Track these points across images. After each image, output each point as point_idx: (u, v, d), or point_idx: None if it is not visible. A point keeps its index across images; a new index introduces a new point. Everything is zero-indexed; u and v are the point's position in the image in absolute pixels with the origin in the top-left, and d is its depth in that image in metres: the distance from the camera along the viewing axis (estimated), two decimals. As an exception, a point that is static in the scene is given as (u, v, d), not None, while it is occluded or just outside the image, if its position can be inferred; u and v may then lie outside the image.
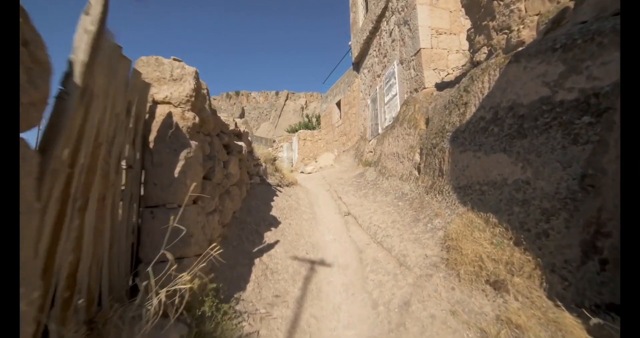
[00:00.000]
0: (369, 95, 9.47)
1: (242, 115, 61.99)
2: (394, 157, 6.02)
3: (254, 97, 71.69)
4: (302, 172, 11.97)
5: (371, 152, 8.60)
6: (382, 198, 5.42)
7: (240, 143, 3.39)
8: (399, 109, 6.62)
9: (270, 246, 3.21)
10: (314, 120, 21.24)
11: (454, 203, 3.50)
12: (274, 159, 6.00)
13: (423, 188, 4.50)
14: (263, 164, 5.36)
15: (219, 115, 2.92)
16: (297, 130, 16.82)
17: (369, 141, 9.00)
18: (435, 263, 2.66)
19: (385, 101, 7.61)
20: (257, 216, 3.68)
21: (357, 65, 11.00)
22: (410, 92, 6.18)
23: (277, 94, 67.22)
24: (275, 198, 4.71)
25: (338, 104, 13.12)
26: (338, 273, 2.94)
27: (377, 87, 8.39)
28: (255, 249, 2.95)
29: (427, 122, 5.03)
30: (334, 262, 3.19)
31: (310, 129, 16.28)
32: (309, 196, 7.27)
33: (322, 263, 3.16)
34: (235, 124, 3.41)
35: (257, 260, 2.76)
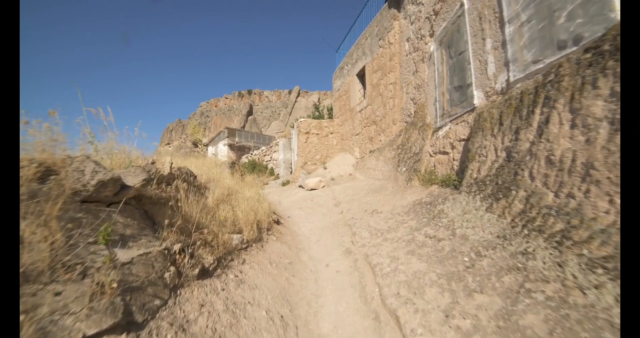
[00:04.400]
0: (431, 35, 4.64)
1: (250, 113, 58.03)
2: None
3: (267, 96, 67.62)
4: (300, 187, 7.18)
5: (446, 152, 3.77)
6: None
7: None
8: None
9: None
10: (325, 112, 16.15)
11: None
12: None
13: None
14: None
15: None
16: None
17: (436, 130, 4.18)
18: None
19: (507, 15, 2.77)
20: None
21: (397, -2, 6.16)
22: None
23: (289, 92, 62.66)
24: None
25: (361, 75, 8.26)
26: None
27: (466, -1, 3.54)
28: None
29: None
30: None
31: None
32: (284, 303, 2.44)
33: None
34: None
35: None
